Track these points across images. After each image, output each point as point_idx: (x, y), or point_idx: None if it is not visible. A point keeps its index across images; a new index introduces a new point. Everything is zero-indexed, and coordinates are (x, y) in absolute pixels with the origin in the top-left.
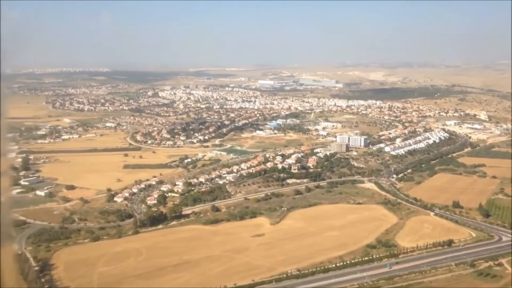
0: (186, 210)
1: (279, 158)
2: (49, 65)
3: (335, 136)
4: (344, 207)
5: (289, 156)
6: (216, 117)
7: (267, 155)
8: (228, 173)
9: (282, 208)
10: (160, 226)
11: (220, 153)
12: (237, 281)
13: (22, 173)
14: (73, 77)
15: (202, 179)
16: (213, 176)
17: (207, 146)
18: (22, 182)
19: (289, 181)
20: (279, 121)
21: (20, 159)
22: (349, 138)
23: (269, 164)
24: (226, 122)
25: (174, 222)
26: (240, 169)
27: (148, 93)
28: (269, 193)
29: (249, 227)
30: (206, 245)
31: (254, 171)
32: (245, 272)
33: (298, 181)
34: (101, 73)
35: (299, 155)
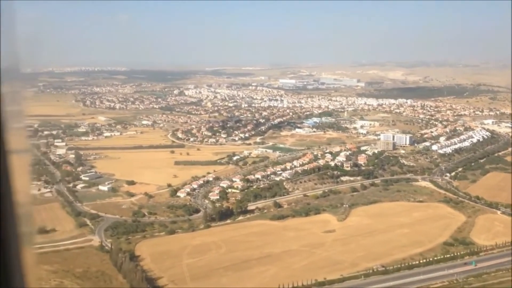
0: (250, 206)
1: (328, 156)
2: (67, 64)
3: (376, 135)
4: (405, 205)
5: (337, 154)
6: (249, 115)
7: (315, 153)
8: (283, 170)
9: (344, 205)
10: (228, 221)
11: (266, 151)
12: (324, 276)
13: (79, 168)
14: (93, 76)
15: (258, 175)
16: (269, 173)
17: (249, 144)
18: (82, 177)
19: (343, 178)
20: (315, 120)
21: (73, 155)
22: (393, 136)
23: (321, 162)
24: (261, 120)
25: (240, 217)
26: (293, 166)
27: (174, 92)
28: (326, 190)
29: (317, 223)
30: (281, 240)
31: (308, 168)
32: (329, 267)
33: (351, 178)
34: (119, 72)
35: (347, 153)
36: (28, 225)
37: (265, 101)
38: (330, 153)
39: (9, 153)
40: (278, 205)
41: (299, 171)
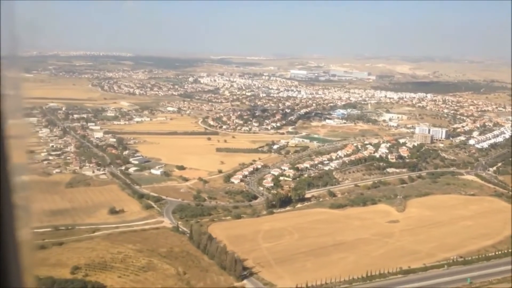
0: (306, 194)
1: (370, 148)
2: (71, 48)
3: (407, 127)
4: (459, 198)
5: (378, 145)
6: (272, 105)
7: (355, 144)
8: (329, 160)
9: (398, 197)
10: (288, 208)
11: (302, 140)
12: (406, 264)
13: (125, 152)
14: (101, 61)
15: (306, 164)
16: (316, 162)
17: (282, 133)
18: (131, 160)
19: (389, 170)
20: (342, 111)
21: (113, 139)
22: (429, 130)
23: (365, 153)
24: (287, 110)
25: (299, 205)
26: (338, 156)
27: (189, 80)
28: (376, 181)
29: (377, 213)
30: (348, 229)
31: (354, 159)
32: (407, 256)
33: (397, 170)
34: (125, 58)
35: (387, 145)
36: (26, 213)
37: (282, 91)
38: (370, 144)
39: (7, 137)
40: (332, 194)
41: (346, 161)
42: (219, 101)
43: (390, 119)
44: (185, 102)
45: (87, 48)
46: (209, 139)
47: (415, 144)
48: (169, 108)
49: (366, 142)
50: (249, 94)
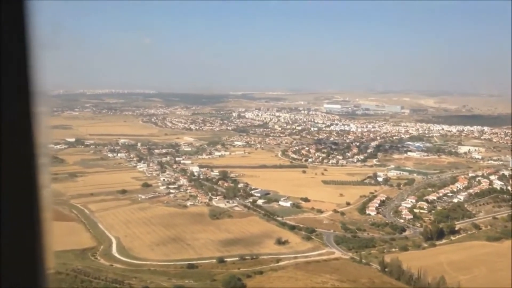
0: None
1: (484, 180)
2: (96, 86)
3: (495, 160)
4: None
5: (488, 178)
6: (337, 138)
7: (462, 176)
8: (452, 192)
9: None
10: (444, 240)
11: (400, 173)
12: None
13: (240, 185)
14: (132, 98)
15: (433, 197)
16: (441, 194)
17: (371, 166)
18: (254, 193)
19: None
20: (418, 144)
21: (213, 173)
22: None
23: (484, 185)
24: (357, 144)
25: (452, 237)
26: (459, 189)
27: (233, 115)
28: (510, 213)
29: None
30: None
31: (479, 191)
32: None
33: None
34: (151, 95)
35: (495, 177)
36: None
37: (329, 125)
38: (478, 176)
39: (39, 163)
40: (477, 227)
41: (473, 193)
42: (277, 135)
43: (470, 151)
44: (245, 136)
45: (110, 85)
46: (304, 172)
47: None
48: (237, 143)
49: (471, 174)
50: (299, 128)
